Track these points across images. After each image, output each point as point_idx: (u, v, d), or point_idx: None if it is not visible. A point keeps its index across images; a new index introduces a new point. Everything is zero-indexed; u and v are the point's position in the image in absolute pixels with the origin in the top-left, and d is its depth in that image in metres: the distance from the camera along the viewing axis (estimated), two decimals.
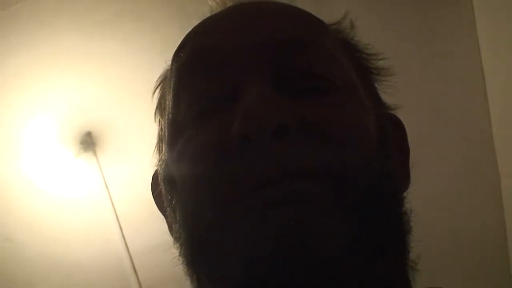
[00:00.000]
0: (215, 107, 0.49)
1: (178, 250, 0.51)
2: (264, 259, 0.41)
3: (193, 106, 0.51)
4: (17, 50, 1.99)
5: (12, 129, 2.17)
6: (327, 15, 0.62)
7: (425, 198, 2.03)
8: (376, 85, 0.60)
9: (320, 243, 0.41)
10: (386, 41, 1.94)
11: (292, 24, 0.54)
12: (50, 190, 2.29)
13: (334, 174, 0.44)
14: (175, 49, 0.57)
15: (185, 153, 0.49)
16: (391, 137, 0.54)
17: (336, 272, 0.41)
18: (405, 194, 0.54)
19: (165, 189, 0.55)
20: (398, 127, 0.60)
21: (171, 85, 0.55)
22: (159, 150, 0.60)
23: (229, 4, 0.60)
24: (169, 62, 0.58)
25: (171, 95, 0.55)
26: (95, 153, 2.25)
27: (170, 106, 0.54)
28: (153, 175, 0.61)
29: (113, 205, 2.26)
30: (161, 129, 0.60)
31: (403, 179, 0.57)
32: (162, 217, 0.59)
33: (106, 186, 2.24)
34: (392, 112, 0.61)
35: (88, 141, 2.23)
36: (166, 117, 0.56)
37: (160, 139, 0.60)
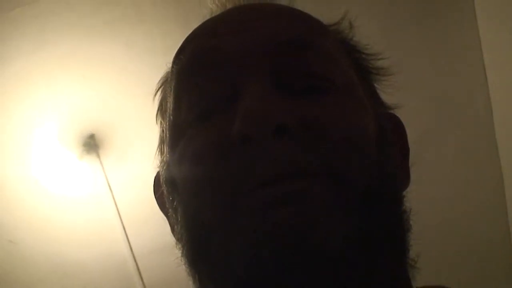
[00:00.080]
0: (216, 108, 0.49)
1: (180, 251, 0.51)
2: (265, 257, 0.41)
3: (193, 107, 0.51)
4: (20, 54, 2.00)
5: (16, 132, 2.18)
6: (328, 16, 0.62)
7: (428, 197, 2.03)
8: (375, 85, 0.61)
9: (321, 242, 0.41)
10: (388, 40, 1.95)
11: (291, 25, 0.54)
12: (54, 192, 2.30)
13: (333, 173, 0.44)
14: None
15: (186, 154, 0.50)
16: (391, 136, 0.55)
17: (336, 270, 0.42)
18: (404, 193, 0.54)
19: (166, 190, 0.55)
20: (397, 126, 0.61)
21: (172, 87, 0.55)
22: (161, 151, 0.60)
23: (228, 6, 0.60)
24: (170, 65, 0.58)
25: (172, 97, 0.55)
26: (98, 155, 2.26)
27: (171, 108, 0.55)
28: (155, 177, 0.61)
29: (116, 206, 2.26)
30: (163, 131, 0.60)
31: (403, 178, 0.57)
32: (165, 218, 0.59)
33: (110, 188, 2.25)
34: (392, 111, 0.62)
35: (92, 143, 2.24)
36: (167, 119, 0.56)
37: (162, 141, 0.60)
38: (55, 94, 2.12)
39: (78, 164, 2.26)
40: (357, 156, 0.46)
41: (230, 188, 0.44)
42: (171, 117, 0.54)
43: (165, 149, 0.57)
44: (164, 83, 0.62)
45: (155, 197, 0.61)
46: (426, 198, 1.96)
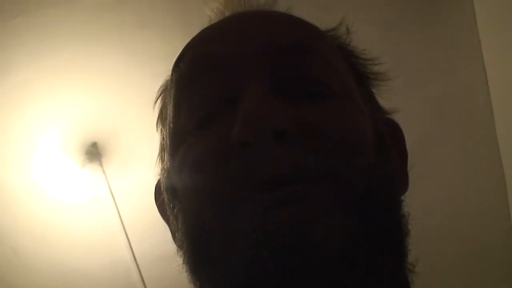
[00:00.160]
0: (215, 113, 0.50)
1: (182, 258, 0.51)
2: (265, 257, 0.42)
3: (193, 114, 0.51)
4: (21, 63, 2.00)
5: (19, 141, 2.18)
6: (325, 21, 0.63)
7: (429, 198, 2.04)
8: (373, 90, 0.61)
9: (321, 242, 0.42)
10: (388, 43, 1.96)
11: (289, 30, 0.55)
12: (58, 200, 2.30)
13: (333, 176, 0.45)
14: None
15: (186, 162, 0.50)
16: (389, 141, 0.55)
17: (336, 270, 0.42)
18: (403, 197, 0.55)
19: (167, 197, 0.56)
20: (395, 131, 0.61)
21: (172, 95, 0.56)
22: (161, 159, 0.61)
23: (227, 13, 0.61)
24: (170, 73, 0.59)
25: (171, 105, 0.55)
26: (101, 163, 2.26)
27: (171, 116, 0.55)
28: (156, 184, 0.62)
29: (119, 214, 2.26)
30: (163, 138, 0.60)
31: (401, 182, 0.57)
32: (167, 225, 0.60)
33: (112, 196, 2.25)
34: (390, 116, 0.62)
35: (94, 152, 2.24)
36: (167, 126, 0.57)
37: (162, 149, 0.61)
38: (57, 102, 2.12)
39: (81, 172, 2.26)
40: (356, 159, 0.47)
41: (230, 192, 0.45)
42: (171, 124, 0.55)
43: (166, 156, 0.57)
44: (164, 91, 0.62)
45: (156, 205, 0.61)
46: (427, 199, 1.97)
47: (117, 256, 2.35)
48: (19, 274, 2.41)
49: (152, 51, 2.01)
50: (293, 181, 0.44)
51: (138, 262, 2.31)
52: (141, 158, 2.10)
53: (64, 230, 2.35)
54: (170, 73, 0.59)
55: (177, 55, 0.58)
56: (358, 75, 0.59)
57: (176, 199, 0.53)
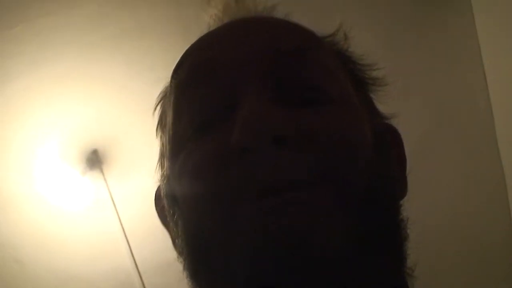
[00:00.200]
0: (214, 119, 0.50)
1: (182, 264, 0.52)
2: (265, 260, 0.42)
3: (192, 120, 0.52)
4: (21, 72, 2.00)
5: (19, 150, 2.19)
6: (324, 27, 0.63)
7: (430, 202, 2.04)
8: (371, 95, 0.61)
9: (321, 244, 0.42)
10: (387, 47, 1.96)
11: (288, 36, 0.55)
12: (59, 208, 2.30)
13: (331, 180, 0.45)
14: None
15: (186, 168, 0.50)
16: (387, 146, 0.55)
17: (336, 272, 0.42)
18: (401, 202, 0.55)
19: (167, 204, 0.56)
20: (394, 136, 0.61)
21: (171, 101, 0.56)
22: (161, 165, 0.61)
23: (225, 20, 0.61)
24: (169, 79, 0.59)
25: (171, 111, 0.56)
26: (101, 171, 2.26)
27: (170, 122, 0.56)
28: (156, 191, 0.62)
29: (120, 221, 2.26)
30: (163, 145, 0.61)
31: (400, 186, 0.58)
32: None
33: (114, 203, 2.25)
34: (388, 121, 0.62)
35: (94, 159, 2.24)
36: (167, 133, 0.57)
37: (162, 155, 0.61)
38: (57, 110, 2.13)
39: (83, 179, 2.27)
40: (354, 164, 0.47)
41: (230, 198, 0.45)
42: (171, 131, 0.55)
43: (165, 163, 0.58)
44: (164, 98, 0.62)
45: (156, 211, 0.62)
46: (428, 202, 1.97)
47: (118, 263, 2.35)
48: (20, 282, 2.41)
49: (152, 59, 2.01)
50: (293, 187, 0.44)
51: (140, 269, 2.31)
52: (142, 164, 2.10)
53: (66, 237, 2.35)
54: (169, 79, 0.59)
55: (176, 62, 0.59)
56: (356, 80, 0.60)
57: (176, 205, 0.53)
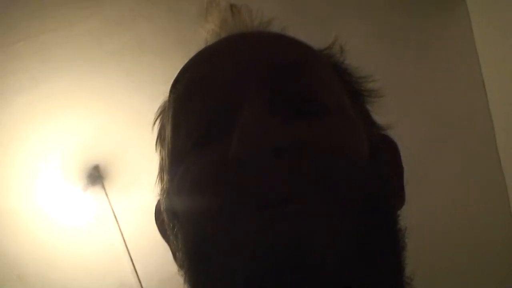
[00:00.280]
0: (213, 133, 0.51)
1: (183, 278, 0.52)
2: (265, 272, 0.42)
3: (191, 134, 0.52)
4: (22, 88, 2.01)
5: (22, 167, 2.19)
6: (322, 37, 0.64)
7: (431, 210, 2.03)
8: (368, 106, 0.62)
9: (320, 256, 0.42)
10: (386, 57, 1.97)
11: (284, 50, 0.56)
12: (61, 225, 2.31)
13: (329, 192, 0.45)
14: None
15: (185, 181, 0.50)
16: (384, 156, 0.56)
17: (335, 283, 0.43)
18: (399, 212, 0.55)
19: (167, 217, 0.56)
20: (390, 147, 0.62)
21: (170, 116, 0.57)
22: (161, 179, 0.61)
23: (222, 35, 0.62)
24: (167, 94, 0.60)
25: (170, 125, 0.56)
26: (103, 186, 2.26)
27: (169, 136, 0.56)
28: (156, 204, 0.62)
29: (122, 236, 2.26)
30: (162, 158, 0.61)
31: (397, 196, 0.58)
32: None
33: (115, 218, 2.25)
34: (385, 132, 0.63)
35: (96, 175, 2.25)
36: (166, 147, 0.57)
37: (162, 169, 0.61)
38: (58, 127, 2.13)
39: (85, 195, 2.27)
40: (351, 175, 0.47)
41: (229, 211, 0.45)
42: (170, 144, 0.56)
43: (165, 176, 0.58)
44: (162, 112, 0.63)
45: (156, 225, 0.62)
46: (429, 209, 1.97)
47: (121, 277, 2.35)
48: None
49: (152, 74, 2.02)
50: (292, 198, 0.44)
51: (142, 283, 2.30)
52: (143, 179, 2.10)
53: (69, 253, 2.35)
54: (167, 94, 0.60)
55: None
56: (353, 92, 0.60)
57: (176, 218, 0.53)
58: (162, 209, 0.59)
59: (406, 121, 1.68)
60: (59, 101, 2.09)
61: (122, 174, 2.28)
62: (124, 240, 2.27)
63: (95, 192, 2.26)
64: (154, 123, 0.65)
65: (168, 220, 0.56)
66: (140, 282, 2.30)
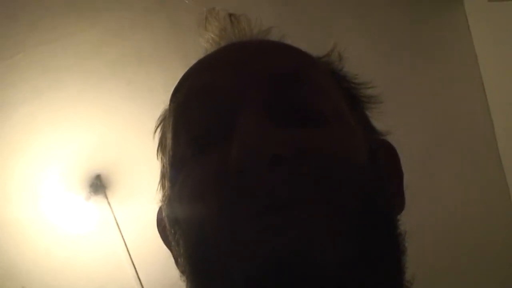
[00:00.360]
0: (213, 141, 0.51)
1: (185, 283, 0.52)
2: (266, 279, 0.43)
3: (191, 142, 0.53)
4: (23, 100, 2.02)
5: (24, 178, 2.20)
6: (322, 43, 0.64)
7: (433, 212, 2.03)
8: (366, 112, 0.62)
9: (320, 261, 0.43)
10: (386, 64, 1.97)
11: (283, 59, 0.57)
12: (65, 234, 2.31)
13: (327, 199, 0.46)
14: None
15: (185, 188, 0.51)
16: (383, 161, 0.56)
17: (334, 285, 0.43)
18: (399, 217, 0.55)
19: (168, 224, 0.57)
20: (390, 152, 0.62)
21: (170, 124, 0.57)
22: (162, 186, 0.62)
23: (222, 44, 0.62)
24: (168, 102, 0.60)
25: (170, 133, 0.57)
26: (105, 195, 2.27)
27: (170, 144, 0.57)
28: (158, 211, 0.63)
29: (125, 244, 2.26)
30: (163, 166, 0.62)
31: (397, 201, 0.58)
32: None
33: (118, 226, 2.25)
34: (385, 137, 0.63)
35: (98, 184, 2.25)
36: (167, 154, 0.58)
37: (163, 176, 0.62)
38: (59, 137, 2.14)
39: (88, 204, 2.27)
40: (350, 181, 0.48)
41: (229, 218, 0.46)
42: (171, 152, 0.56)
43: (166, 183, 0.59)
44: (163, 120, 0.64)
45: (158, 231, 0.62)
46: (430, 214, 1.97)
47: (124, 285, 2.34)
48: None
49: (151, 83, 2.03)
50: (291, 205, 0.44)
51: None
52: (145, 187, 2.11)
53: (72, 262, 2.35)
54: (168, 103, 0.60)
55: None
56: (352, 99, 0.61)
57: (177, 225, 0.53)
58: (163, 215, 0.59)
59: (406, 126, 1.68)
60: (60, 112, 2.09)
61: (124, 183, 2.28)
62: (127, 248, 2.27)
63: (98, 201, 2.26)
64: (155, 131, 0.65)
65: (169, 226, 0.56)
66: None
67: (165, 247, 0.62)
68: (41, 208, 2.25)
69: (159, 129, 0.65)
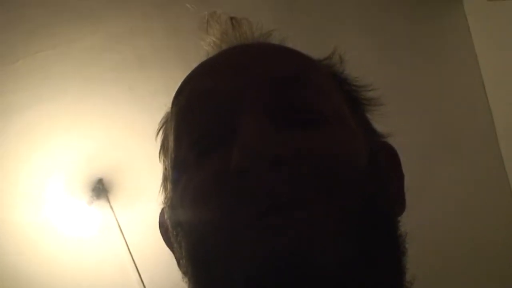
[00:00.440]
0: (214, 144, 0.52)
1: (187, 284, 0.53)
2: (267, 280, 0.43)
3: (193, 145, 0.53)
4: (24, 106, 2.02)
5: (28, 184, 2.20)
6: (322, 46, 0.65)
7: (434, 214, 2.03)
8: (367, 115, 0.63)
9: (321, 262, 0.43)
10: (387, 65, 1.97)
11: (284, 62, 0.57)
12: (69, 239, 2.32)
13: (328, 200, 0.46)
14: None
15: (187, 190, 0.52)
16: (384, 163, 0.56)
17: (335, 285, 0.43)
18: (399, 218, 0.56)
19: (171, 225, 0.57)
20: (390, 153, 0.62)
21: (172, 127, 0.58)
22: (165, 188, 0.62)
23: (223, 47, 0.63)
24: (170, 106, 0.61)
25: (172, 136, 0.58)
26: (108, 199, 2.27)
27: (172, 147, 0.57)
28: (160, 213, 0.63)
29: (128, 248, 2.27)
30: (165, 168, 0.62)
31: (398, 203, 0.59)
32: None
33: (121, 230, 2.25)
34: (386, 139, 0.64)
35: (100, 188, 2.25)
36: (169, 157, 0.58)
37: (165, 178, 0.62)
38: (61, 142, 2.14)
39: (90, 208, 2.28)
40: (350, 182, 0.48)
41: (230, 220, 0.46)
42: (173, 155, 0.57)
43: (168, 186, 0.59)
44: (165, 123, 0.64)
45: (161, 233, 0.63)
46: (431, 216, 1.97)
47: None
48: None
49: (152, 88, 2.03)
50: (291, 206, 0.45)
51: None
52: (147, 190, 2.11)
53: (76, 266, 2.36)
54: (170, 106, 0.61)
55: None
56: (352, 101, 0.61)
57: (179, 226, 0.54)
58: (166, 217, 0.60)
59: (406, 126, 1.68)
60: (62, 118, 2.10)
61: (126, 187, 2.29)
62: (130, 251, 2.27)
63: (100, 205, 2.27)
64: (158, 134, 0.66)
65: (171, 228, 0.57)
66: None
67: (167, 250, 0.62)
68: (44, 212, 2.25)
69: (161, 132, 0.65)
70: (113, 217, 2.26)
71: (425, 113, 2.18)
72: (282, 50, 0.60)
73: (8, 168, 2.15)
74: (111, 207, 2.26)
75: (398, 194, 0.60)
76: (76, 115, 2.10)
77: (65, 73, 2.01)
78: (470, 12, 2.08)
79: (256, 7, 1.78)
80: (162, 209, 0.62)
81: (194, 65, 0.61)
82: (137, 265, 2.29)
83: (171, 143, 0.58)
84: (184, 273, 0.54)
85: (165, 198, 0.61)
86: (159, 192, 0.64)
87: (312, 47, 0.64)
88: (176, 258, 0.58)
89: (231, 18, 0.64)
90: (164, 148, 0.64)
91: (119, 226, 2.26)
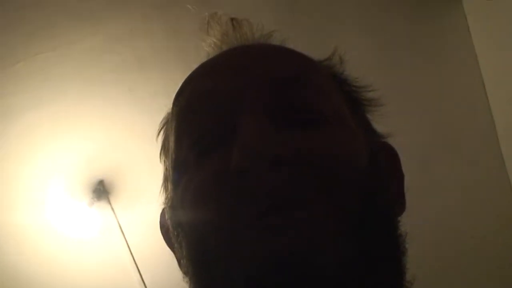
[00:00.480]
0: (215, 144, 0.52)
1: (188, 284, 0.53)
2: (267, 280, 0.43)
3: (194, 145, 0.53)
4: (25, 108, 2.03)
5: (28, 186, 2.20)
6: (322, 47, 0.65)
7: (434, 214, 2.03)
8: (367, 115, 0.63)
9: (320, 262, 0.43)
10: (387, 66, 1.97)
11: (284, 63, 0.57)
12: (70, 240, 2.32)
13: (328, 200, 0.46)
14: None
15: (188, 191, 0.52)
16: (384, 163, 0.57)
17: (335, 285, 0.43)
18: (399, 218, 0.56)
19: (171, 225, 0.57)
20: (390, 154, 0.63)
21: (173, 127, 0.58)
22: (165, 188, 0.62)
23: (224, 48, 0.63)
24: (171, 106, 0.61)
25: (173, 137, 0.58)
26: (109, 201, 2.27)
27: (173, 147, 0.58)
28: (161, 213, 0.64)
29: (129, 249, 2.27)
30: (166, 169, 0.63)
31: (398, 203, 0.59)
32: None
33: (122, 231, 2.25)
34: (386, 139, 0.64)
35: (101, 190, 2.26)
36: (170, 157, 0.59)
37: (166, 179, 0.63)
38: (62, 144, 2.14)
39: (91, 210, 2.28)
40: (350, 182, 0.48)
41: (231, 220, 0.46)
42: (173, 155, 0.57)
43: (169, 186, 0.60)
44: (166, 124, 0.64)
45: (161, 233, 0.63)
46: (431, 216, 1.97)
47: None
48: None
49: (152, 89, 2.03)
50: (291, 206, 0.45)
51: None
52: (147, 191, 2.11)
53: (77, 267, 2.36)
54: (170, 106, 0.61)
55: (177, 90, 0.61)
56: (353, 102, 0.61)
57: (179, 226, 0.54)
58: (166, 217, 0.60)
59: (406, 126, 1.69)
60: (62, 119, 2.10)
61: (126, 188, 2.29)
62: (131, 252, 2.27)
63: (101, 207, 2.27)
64: (158, 134, 0.66)
65: (172, 228, 0.57)
66: None
67: (168, 250, 0.62)
68: (45, 214, 2.25)
69: (162, 132, 0.65)
70: (114, 218, 2.26)
71: (425, 113, 2.18)
72: (282, 51, 0.60)
73: (8, 170, 2.15)
74: (112, 209, 2.26)
75: (398, 194, 0.60)
76: (76, 116, 2.10)
77: (65, 74, 2.01)
78: (470, 12, 2.08)
79: (256, 8, 1.79)
80: (163, 210, 0.63)
81: (194, 66, 0.61)
82: (138, 266, 2.29)
83: (171, 144, 0.58)
84: (185, 273, 0.54)
85: (166, 199, 0.62)
86: (160, 192, 0.64)
87: (313, 47, 0.64)
88: (177, 258, 0.58)
89: (232, 19, 0.64)
90: (165, 148, 0.64)
91: (120, 227, 2.26)
